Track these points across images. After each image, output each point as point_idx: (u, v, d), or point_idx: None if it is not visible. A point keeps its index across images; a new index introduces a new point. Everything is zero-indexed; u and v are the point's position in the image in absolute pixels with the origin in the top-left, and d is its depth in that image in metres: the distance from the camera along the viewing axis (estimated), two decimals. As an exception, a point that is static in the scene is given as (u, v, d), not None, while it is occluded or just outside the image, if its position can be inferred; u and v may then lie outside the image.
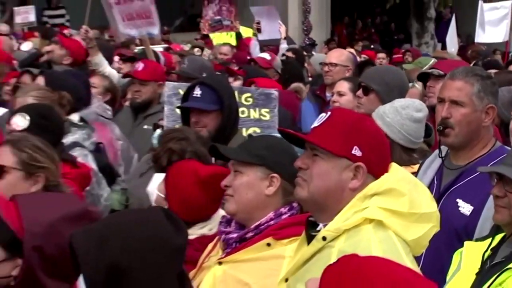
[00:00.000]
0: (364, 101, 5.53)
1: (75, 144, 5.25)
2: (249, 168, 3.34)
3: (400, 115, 4.58)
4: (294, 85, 7.96)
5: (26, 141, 3.95)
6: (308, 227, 2.95)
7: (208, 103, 4.96)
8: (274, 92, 5.86)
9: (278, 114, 5.79)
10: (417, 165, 4.31)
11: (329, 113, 2.94)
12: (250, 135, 5.31)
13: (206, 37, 14.90)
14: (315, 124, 2.92)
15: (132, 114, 6.93)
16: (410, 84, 6.73)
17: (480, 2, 10.01)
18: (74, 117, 5.69)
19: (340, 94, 6.30)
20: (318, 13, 20.87)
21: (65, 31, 13.73)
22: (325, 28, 21.48)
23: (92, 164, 5.18)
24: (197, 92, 5.00)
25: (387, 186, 2.84)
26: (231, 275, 3.30)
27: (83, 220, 2.97)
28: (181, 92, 5.40)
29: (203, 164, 3.95)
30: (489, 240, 3.20)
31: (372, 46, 17.50)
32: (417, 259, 3.05)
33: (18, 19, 14.01)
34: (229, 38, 14.29)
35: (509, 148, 3.99)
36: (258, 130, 5.63)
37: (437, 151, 4.13)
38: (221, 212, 3.76)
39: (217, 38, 14.17)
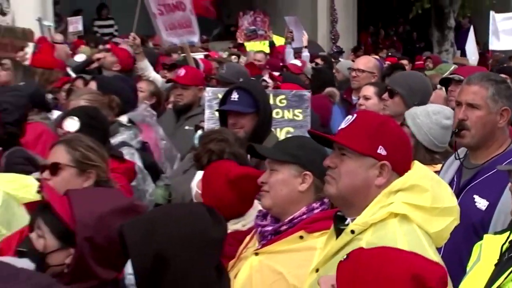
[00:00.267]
0: (390, 104, 5.51)
1: (123, 143, 5.27)
2: (283, 166, 3.33)
3: (430, 119, 4.56)
4: (328, 89, 7.94)
5: (79, 141, 3.96)
6: (336, 221, 2.93)
7: (245, 106, 4.96)
8: (307, 93, 5.85)
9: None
10: (439, 165, 4.28)
11: (355, 115, 2.93)
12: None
13: (240, 46, 14.91)
14: (342, 125, 2.91)
15: (175, 116, 6.95)
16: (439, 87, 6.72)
17: (492, 13, 9.97)
18: (123, 119, 5.71)
19: (366, 98, 6.26)
20: (345, 23, 20.82)
21: (117, 40, 13.84)
22: (351, 36, 21.42)
23: (138, 161, 5.20)
24: (235, 96, 5.00)
25: (411, 183, 2.82)
26: (267, 265, 3.30)
27: (130, 214, 2.99)
28: (220, 96, 5.41)
29: (236, 165, 3.93)
30: (508, 233, 3.16)
31: (389, 54, 17.38)
32: (437, 250, 3.02)
33: (70, 29, 14.12)
34: (262, 46, 14.29)
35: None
36: (291, 129, 5.62)
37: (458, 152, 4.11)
38: (257, 207, 3.75)
39: (251, 46, 14.18)
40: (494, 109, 3.90)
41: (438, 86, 7.09)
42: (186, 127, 6.65)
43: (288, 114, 5.71)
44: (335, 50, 18.49)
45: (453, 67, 9.47)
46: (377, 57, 11.58)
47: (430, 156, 4.49)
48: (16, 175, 4.21)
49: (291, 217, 3.31)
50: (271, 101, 5.44)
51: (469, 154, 4.03)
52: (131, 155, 5.16)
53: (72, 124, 4.57)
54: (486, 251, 3.18)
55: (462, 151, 4.06)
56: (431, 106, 4.75)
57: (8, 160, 4.68)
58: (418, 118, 4.57)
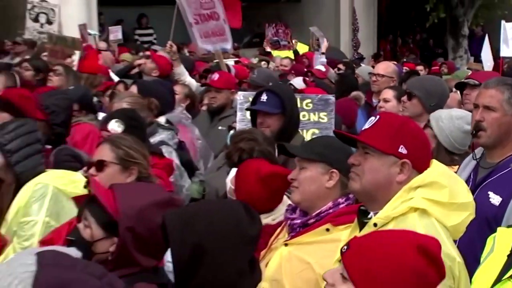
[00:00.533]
0: (408, 105, 5.51)
1: (162, 143, 5.29)
2: (312, 164, 3.32)
3: (453, 123, 4.52)
4: (354, 93, 7.92)
5: (122, 140, 3.97)
6: (360, 215, 2.93)
7: (272, 107, 4.95)
8: (331, 98, 5.82)
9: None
10: (457, 166, 4.24)
11: (378, 116, 2.93)
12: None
13: (268, 53, 14.93)
14: (366, 126, 2.92)
15: (209, 117, 6.97)
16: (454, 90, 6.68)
17: (503, 22, 9.95)
18: (161, 120, 5.74)
19: (386, 101, 6.25)
20: (366, 31, 20.76)
21: (155, 47, 13.91)
22: (371, 44, 21.36)
23: (175, 159, 5.22)
24: (264, 97, 5.00)
25: (430, 180, 2.82)
26: (295, 255, 3.30)
27: (168, 206, 2.99)
28: (251, 99, 5.41)
29: (267, 164, 3.92)
30: (520, 226, 3.14)
31: (405, 59, 17.28)
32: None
33: (111, 37, 14.22)
34: (288, 52, 14.30)
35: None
36: (317, 131, 5.60)
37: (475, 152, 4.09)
38: (286, 202, 3.74)
39: (277, 52, 14.20)
40: (509, 111, 3.88)
41: (453, 89, 7.06)
42: (220, 128, 6.66)
43: (313, 117, 5.69)
44: (356, 57, 18.43)
45: (469, 73, 9.42)
46: (395, 62, 11.52)
47: (450, 157, 4.46)
48: (64, 171, 4.24)
49: (318, 211, 3.30)
50: (298, 105, 5.43)
51: (485, 154, 4.01)
52: (169, 153, 5.17)
53: (116, 126, 4.60)
54: (500, 243, 3.16)
55: (479, 151, 4.03)
56: (456, 111, 4.72)
57: (56, 158, 4.71)
58: (441, 121, 4.54)
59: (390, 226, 2.75)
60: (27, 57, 9.59)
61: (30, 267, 1.98)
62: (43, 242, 3.70)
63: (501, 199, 3.79)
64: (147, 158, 4.02)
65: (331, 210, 3.29)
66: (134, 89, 6.11)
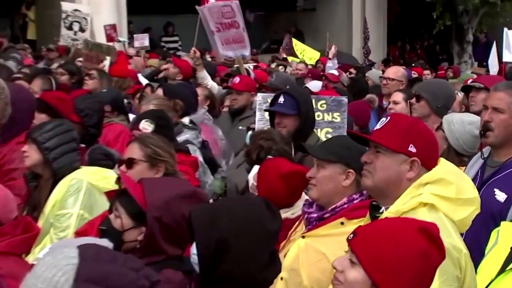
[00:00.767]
0: (417, 107, 5.48)
1: (186, 142, 5.30)
2: (330, 164, 3.31)
3: (464, 128, 4.48)
4: (368, 96, 7.93)
5: (151, 139, 3.98)
6: (372, 210, 2.92)
7: (288, 108, 4.93)
8: (344, 99, 5.81)
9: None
10: (465, 167, 4.22)
11: (389, 117, 2.92)
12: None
13: (284, 58, 14.92)
14: (378, 126, 2.91)
15: (230, 118, 6.97)
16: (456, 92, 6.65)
17: (505, 29, 9.93)
18: (186, 120, 5.75)
19: (395, 103, 6.23)
20: (376, 38, 20.70)
21: (180, 53, 13.95)
22: (381, 50, 21.29)
23: (199, 157, 5.23)
24: (281, 99, 4.98)
25: (438, 176, 2.80)
26: (312, 246, 3.30)
27: (192, 199, 3.01)
28: (269, 100, 5.41)
29: (287, 163, 3.91)
30: (523, 221, 3.13)
31: (413, 64, 17.22)
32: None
33: (136, 44, 14.27)
34: (303, 58, 14.28)
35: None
36: (330, 130, 5.58)
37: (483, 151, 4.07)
38: (304, 198, 3.74)
39: (292, 58, 14.19)
40: None
41: (456, 91, 7.04)
42: (240, 127, 6.66)
43: (327, 117, 5.67)
44: (367, 64, 18.40)
45: (474, 76, 9.44)
46: (404, 67, 11.48)
47: (459, 158, 4.42)
48: (97, 168, 4.27)
49: (334, 206, 3.29)
50: (313, 105, 5.42)
51: (492, 153, 3.99)
52: (193, 151, 5.18)
53: (147, 126, 4.61)
54: (503, 235, 3.14)
55: (486, 150, 4.01)
56: (468, 116, 4.66)
57: (90, 156, 4.74)
58: (453, 125, 4.50)
59: (400, 220, 2.74)
60: (62, 62, 9.66)
61: (73, 260, 1.99)
62: (77, 233, 3.74)
63: (506, 196, 3.77)
64: (174, 156, 4.02)
65: (345, 205, 3.28)
66: (160, 91, 6.13)
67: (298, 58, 13.50)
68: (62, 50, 12.01)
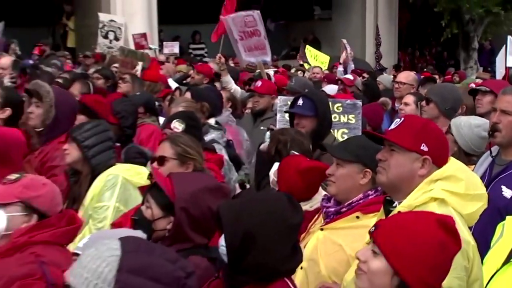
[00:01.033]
0: (426, 109, 5.46)
1: (213, 141, 5.30)
2: (349, 163, 3.28)
3: (472, 131, 4.45)
4: (382, 99, 7.90)
5: (181, 138, 3.99)
6: (386, 204, 2.90)
7: (306, 110, 4.91)
8: (359, 102, 5.79)
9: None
10: (474, 166, 4.18)
11: (402, 118, 2.90)
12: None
13: (301, 65, 14.91)
14: (392, 126, 2.90)
15: (252, 119, 6.98)
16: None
17: (509, 37, 9.86)
18: (211, 121, 5.76)
19: (406, 104, 6.22)
20: (388, 44, 20.64)
21: (206, 59, 13.99)
22: (393, 55, 21.18)
23: (225, 155, 5.23)
24: (300, 102, 4.97)
25: (448, 173, 2.78)
26: (329, 238, 3.28)
27: (217, 193, 3.03)
28: (289, 103, 5.40)
29: (305, 159, 3.89)
30: (527, 215, 3.08)
31: (425, 69, 17.09)
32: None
33: (166, 51, 14.31)
34: (316, 63, 14.26)
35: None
36: (346, 130, 5.57)
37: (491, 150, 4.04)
38: (321, 192, 3.72)
39: (307, 64, 14.17)
40: None
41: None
42: (261, 128, 6.66)
43: (343, 118, 5.66)
44: (379, 68, 18.34)
45: (476, 81, 9.36)
46: (414, 72, 11.41)
47: (468, 158, 4.38)
48: (132, 165, 4.28)
49: (350, 201, 3.27)
50: (330, 108, 5.40)
51: (501, 152, 3.95)
52: (219, 150, 5.18)
53: (178, 125, 4.62)
54: (508, 229, 3.11)
55: (495, 149, 3.98)
56: (475, 120, 4.61)
57: (126, 154, 4.77)
58: (461, 129, 4.47)
59: (412, 214, 2.72)
60: (98, 68, 9.73)
61: (115, 251, 2.00)
62: (113, 225, 3.75)
63: None
64: (202, 154, 4.03)
65: (361, 201, 3.26)
66: (188, 95, 6.14)
67: (310, 64, 13.48)
68: (98, 57, 12.07)
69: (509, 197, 3.72)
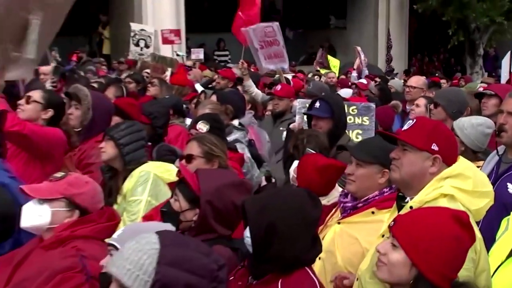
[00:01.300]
0: (435, 112, 5.42)
1: (236, 141, 5.30)
2: (368, 164, 3.25)
3: (475, 130, 4.41)
4: (393, 102, 7.86)
5: (207, 138, 4.00)
6: (398, 200, 2.87)
7: (323, 112, 4.89)
8: (372, 105, 5.76)
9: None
10: (481, 161, 4.14)
11: (414, 120, 2.88)
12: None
13: (318, 71, 14.89)
14: (405, 127, 2.87)
15: (272, 120, 6.96)
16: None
17: None
18: (235, 122, 5.75)
19: (418, 106, 6.18)
20: (398, 51, 20.59)
21: (230, 65, 14.00)
22: (403, 61, 21.08)
23: (247, 154, 5.22)
24: (317, 104, 4.95)
25: (457, 172, 2.75)
26: (346, 232, 3.26)
27: (239, 188, 3.03)
28: (307, 105, 5.38)
29: (322, 157, 3.86)
30: (530, 210, 3.05)
31: (436, 75, 17.01)
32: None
33: (192, 56, 14.34)
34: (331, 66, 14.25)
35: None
36: (360, 131, 5.53)
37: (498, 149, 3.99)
38: (337, 188, 3.70)
39: (323, 70, 14.16)
40: None
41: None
42: (281, 128, 6.63)
43: (358, 120, 5.63)
44: (388, 70, 18.29)
45: (478, 85, 9.29)
46: (424, 77, 11.34)
47: (474, 155, 4.35)
48: (162, 163, 4.29)
49: (367, 197, 3.25)
50: (346, 110, 5.37)
51: (507, 151, 3.90)
52: (242, 149, 5.18)
53: (203, 126, 4.63)
54: (513, 223, 3.08)
55: (501, 148, 3.93)
56: (476, 119, 4.58)
57: (157, 152, 4.79)
58: (465, 129, 4.43)
59: (423, 209, 2.69)
60: (130, 73, 9.79)
61: (155, 245, 1.99)
62: (145, 217, 3.76)
63: None
64: (226, 153, 4.03)
65: (376, 197, 3.24)
66: (214, 98, 6.15)
67: (327, 69, 13.47)
68: (130, 63, 12.14)
69: None
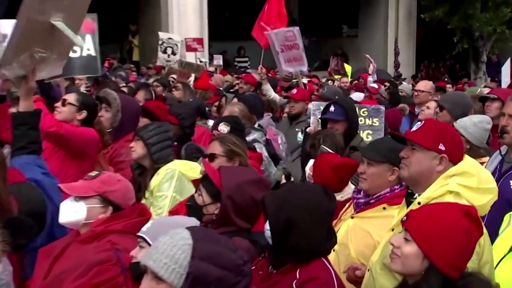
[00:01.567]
0: (440, 115, 5.39)
1: (255, 140, 5.29)
2: (379, 164, 3.23)
3: (477, 127, 4.41)
4: (401, 105, 7.82)
5: (228, 138, 4.00)
6: (407, 196, 2.86)
7: (338, 115, 4.87)
8: (382, 108, 5.72)
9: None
10: (486, 158, 4.12)
11: (423, 122, 2.86)
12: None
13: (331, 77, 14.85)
14: (414, 128, 2.85)
15: (288, 121, 6.95)
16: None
17: None
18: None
19: (428, 108, 6.15)
20: (406, 58, 20.51)
21: (249, 70, 14.00)
22: (411, 67, 20.97)
23: (265, 153, 5.22)
24: (332, 108, 4.93)
25: (462, 170, 2.72)
26: (359, 226, 3.24)
27: (258, 184, 3.02)
28: (321, 108, 5.36)
29: (337, 156, 3.84)
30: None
31: (445, 79, 16.88)
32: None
33: (214, 62, 14.38)
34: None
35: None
36: (370, 132, 5.50)
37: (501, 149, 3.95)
38: (350, 185, 3.68)
39: (337, 76, 14.12)
40: None
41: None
42: (296, 129, 6.65)
43: (368, 121, 5.59)
44: (396, 75, 18.18)
45: (479, 89, 9.22)
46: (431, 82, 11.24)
47: (478, 152, 4.32)
48: (187, 161, 4.32)
49: (378, 194, 3.23)
50: (357, 112, 5.35)
51: (509, 151, 3.86)
52: (260, 148, 5.18)
53: (224, 127, 4.63)
54: (515, 218, 3.04)
55: (504, 149, 3.89)
56: (475, 117, 4.57)
57: (186, 151, 4.82)
58: (469, 128, 4.41)
59: (431, 205, 2.67)
60: (157, 77, 9.84)
61: (188, 240, 2.00)
62: (171, 212, 3.76)
63: None
64: (246, 152, 4.02)
65: (387, 194, 3.22)
66: (235, 100, 6.15)
67: (340, 75, 13.44)
68: (158, 69, 12.20)
69: None
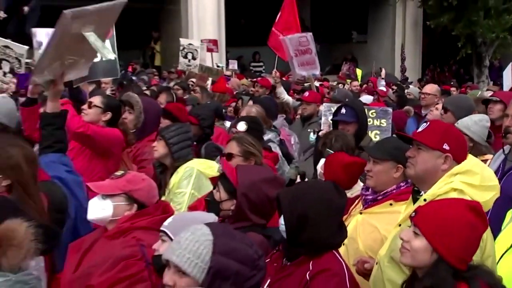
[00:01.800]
0: (445, 117, 5.35)
1: (269, 141, 5.30)
2: (384, 161, 3.22)
3: (479, 126, 4.39)
4: (406, 108, 7.80)
5: (245, 138, 3.98)
6: (413, 193, 2.83)
7: (349, 117, 4.85)
8: (389, 109, 5.70)
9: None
10: (489, 155, 4.08)
11: (429, 123, 2.84)
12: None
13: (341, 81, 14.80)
14: (420, 129, 2.83)
15: (301, 123, 6.94)
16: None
17: None
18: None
19: (436, 109, 6.09)
20: (413, 62, 20.39)
21: (263, 74, 14.01)
22: (417, 71, 20.84)
23: (279, 151, 5.21)
24: (343, 110, 4.90)
25: (466, 168, 2.70)
26: (367, 221, 3.23)
27: (273, 182, 3.01)
28: (332, 109, 5.34)
29: (347, 155, 3.82)
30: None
31: (451, 83, 16.74)
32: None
33: (230, 66, 14.38)
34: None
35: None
36: (378, 132, 5.48)
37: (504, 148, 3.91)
38: (359, 183, 3.66)
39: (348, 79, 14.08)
40: None
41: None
42: (308, 130, 6.62)
43: (376, 122, 5.57)
44: (403, 78, 18.09)
45: (479, 92, 9.16)
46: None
47: (480, 149, 4.29)
48: (205, 160, 4.32)
49: (385, 191, 3.22)
50: (366, 113, 5.32)
51: None
52: (274, 148, 5.18)
53: (241, 127, 4.63)
54: (517, 215, 3.01)
55: (507, 148, 3.85)
56: (475, 117, 4.55)
57: (206, 150, 4.83)
58: (471, 127, 4.40)
59: (436, 202, 2.65)
60: (178, 81, 9.86)
61: (209, 236, 2.01)
62: (190, 207, 3.77)
63: None
64: (261, 151, 4.01)
65: (394, 191, 3.20)
66: (250, 102, 6.14)
67: (350, 79, 13.38)
68: (179, 73, 12.23)
69: None
